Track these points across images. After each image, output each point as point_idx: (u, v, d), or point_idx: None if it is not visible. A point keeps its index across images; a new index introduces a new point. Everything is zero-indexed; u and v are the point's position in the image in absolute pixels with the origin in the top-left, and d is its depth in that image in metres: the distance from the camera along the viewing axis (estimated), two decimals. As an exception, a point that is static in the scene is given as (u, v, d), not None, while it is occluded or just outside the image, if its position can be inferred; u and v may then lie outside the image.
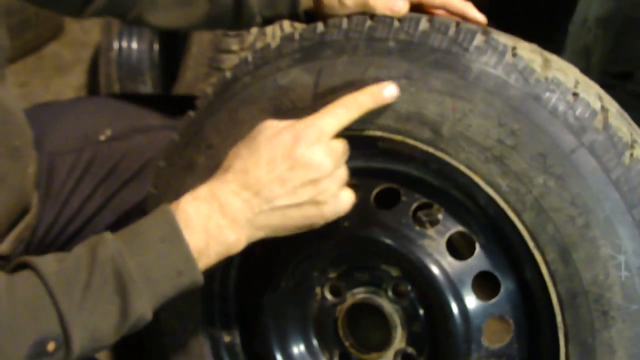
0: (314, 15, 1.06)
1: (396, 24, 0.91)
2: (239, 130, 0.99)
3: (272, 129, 0.86)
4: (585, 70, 0.93)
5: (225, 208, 0.83)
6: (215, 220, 0.83)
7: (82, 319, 0.78)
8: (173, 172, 1.07)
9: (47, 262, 0.80)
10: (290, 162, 0.84)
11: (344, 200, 0.88)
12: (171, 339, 1.13)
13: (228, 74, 1.03)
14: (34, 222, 1.18)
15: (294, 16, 1.10)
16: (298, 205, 0.85)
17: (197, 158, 1.04)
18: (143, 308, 0.80)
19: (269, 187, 0.84)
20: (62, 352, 0.78)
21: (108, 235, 0.82)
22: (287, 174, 0.84)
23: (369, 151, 0.94)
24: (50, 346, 0.77)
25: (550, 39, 1.30)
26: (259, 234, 0.86)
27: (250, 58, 1.01)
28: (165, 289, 0.82)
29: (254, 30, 1.70)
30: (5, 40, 1.08)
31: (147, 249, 0.81)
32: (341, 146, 0.88)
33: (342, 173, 0.88)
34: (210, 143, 1.02)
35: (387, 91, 0.88)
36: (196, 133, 1.04)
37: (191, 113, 1.06)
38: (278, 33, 1.65)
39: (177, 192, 1.05)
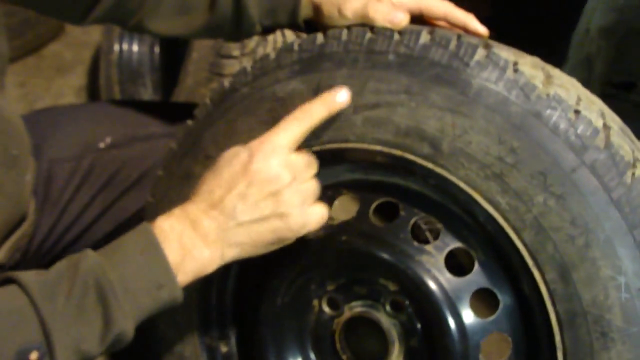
0: (314, 24, 1.05)
1: (396, 36, 0.90)
2: (236, 141, 0.99)
3: (232, 151, 0.89)
4: (588, 81, 0.92)
5: (196, 225, 0.86)
6: (188, 236, 0.85)
7: (64, 327, 0.78)
8: (171, 182, 1.07)
9: (29, 275, 0.80)
10: (248, 178, 0.86)
11: (312, 213, 0.89)
12: (168, 349, 1.13)
13: (227, 84, 1.02)
14: (31, 231, 1.17)
15: (293, 25, 1.09)
16: (262, 219, 0.87)
17: (195, 168, 1.03)
18: (124, 320, 0.80)
19: (231, 204, 0.86)
20: None
21: (89, 251, 0.83)
22: (247, 190, 0.86)
23: (368, 165, 0.94)
24: (33, 356, 0.77)
25: (553, 49, 1.29)
26: (232, 253, 0.87)
27: (249, 68, 1.00)
28: (145, 302, 0.82)
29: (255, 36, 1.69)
30: (5, 47, 1.07)
31: (126, 262, 0.82)
32: (303, 159, 0.89)
33: (307, 186, 0.89)
34: (208, 154, 1.01)
35: (340, 97, 0.90)
36: (194, 143, 1.04)
37: (190, 123, 1.05)
38: (280, 40, 1.65)
39: (174, 202, 1.05)
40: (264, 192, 0.86)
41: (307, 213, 0.88)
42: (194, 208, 0.87)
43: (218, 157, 0.90)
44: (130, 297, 0.81)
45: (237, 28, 1.12)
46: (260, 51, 1.70)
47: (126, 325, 0.81)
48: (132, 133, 1.28)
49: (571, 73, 0.92)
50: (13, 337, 0.77)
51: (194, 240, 0.85)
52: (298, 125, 0.89)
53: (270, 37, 1.68)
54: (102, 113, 1.35)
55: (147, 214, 1.11)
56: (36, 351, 0.77)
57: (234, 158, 0.88)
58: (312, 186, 0.90)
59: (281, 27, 1.11)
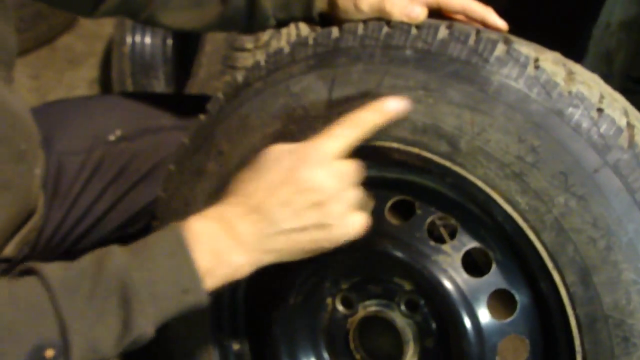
0: (329, 18, 1.03)
1: (414, 31, 0.88)
2: (250, 137, 0.98)
3: (276, 152, 0.85)
4: (608, 75, 0.90)
5: (233, 230, 0.82)
6: (223, 241, 0.82)
7: (83, 327, 0.77)
8: (183, 177, 1.06)
9: (53, 269, 0.79)
10: (293, 186, 0.83)
11: (353, 223, 0.85)
12: (180, 346, 1.12)
13: (240, 79, 1.00)
14: (40, 224, 1.16)
15: (308, 19, 1.07)
16: (304, 228, 0.83)
17: (207, 164, 1.02)
18: (146, 324, 0.79)
19: (273, 211, 0.82)
20: None
21: (116, 248, 0.81)
22: (291, 197, 0.82)
23: (384, 162, 0.92)
24: (49, 353, 0.76)
25: (573, 43, 1.27)
26: (267, 258, 0.84)
27: (262, 62, 0.98)
28: (169, 305, 0.80)
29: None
30: (12, 41, 1.05)
31: (154, 264, 0.80)
32: (349, 167, 0.85)
33: (351, 195, 0.85)
34: (221, 149, 1.00)
35: (393, 106, 0.86)
36: (207, 138, 1.02)
37: (202, 117, 1.04)
38: (294, 33, 1.63)
39: (186, 198, 1.04)
40: (309, 202, 0.83)
41: (348, 223, 0.85)
42: (230, 210, 0.83)
43: (257, 157, 0.86)
44: (155, 300, 0.79)
45: (250, 21, 1.10)
46: (274, 44, 1.68)
47: (147, 328, 0.79)
48: (143, 125, 1.27)
49: (590, 68, 0.90)
50: (30, 331, 0.76)
51: (229, 245, 0.82)
52: (348, 134, 0.85)
53: (284, 30, 1.66)
54: (112, 105, 1.34)
55: (158, 209, 1.11)
56: (52, 348, 0.76)
57: (278, 162, 0.84)
58: (356, 194, 0.86)
59: (296, 20, 1.10)
